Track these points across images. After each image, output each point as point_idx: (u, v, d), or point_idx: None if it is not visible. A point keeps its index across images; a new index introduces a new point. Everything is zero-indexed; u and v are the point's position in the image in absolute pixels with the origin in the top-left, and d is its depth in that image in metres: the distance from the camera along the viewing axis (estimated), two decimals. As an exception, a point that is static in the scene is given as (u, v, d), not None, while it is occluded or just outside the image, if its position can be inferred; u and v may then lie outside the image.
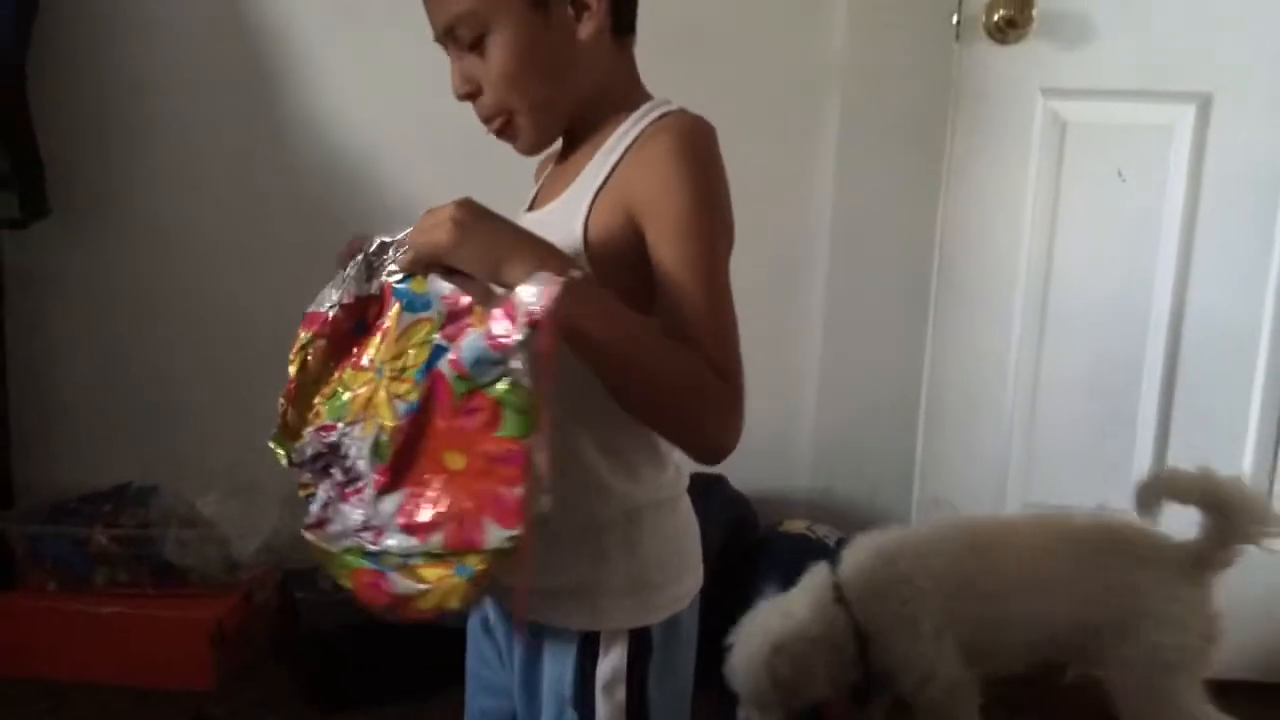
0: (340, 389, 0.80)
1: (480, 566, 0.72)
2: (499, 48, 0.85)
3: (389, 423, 0.75)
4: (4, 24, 1.69)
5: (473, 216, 0.76)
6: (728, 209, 0.85)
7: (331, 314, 0.79)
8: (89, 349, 1.91)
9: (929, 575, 1.40)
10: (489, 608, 0.95)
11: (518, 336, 0.69)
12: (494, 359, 0.70)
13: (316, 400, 0.81)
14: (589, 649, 0.86)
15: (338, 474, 0.79)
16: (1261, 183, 1.73)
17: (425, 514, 0.74)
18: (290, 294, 1.78)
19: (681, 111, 0.88)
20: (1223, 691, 1.38)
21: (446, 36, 0.87)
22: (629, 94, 0.90)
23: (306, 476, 0.81)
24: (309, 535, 0.80)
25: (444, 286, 0.75)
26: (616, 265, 0.83)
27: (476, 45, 0.86)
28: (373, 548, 0.76)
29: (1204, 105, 1.72)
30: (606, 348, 0.76)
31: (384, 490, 0.76)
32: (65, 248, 1.87)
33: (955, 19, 1.70)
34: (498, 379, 0.71)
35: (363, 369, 0.79)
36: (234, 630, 1.71)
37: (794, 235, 1.80)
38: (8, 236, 1.82)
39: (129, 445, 1.92)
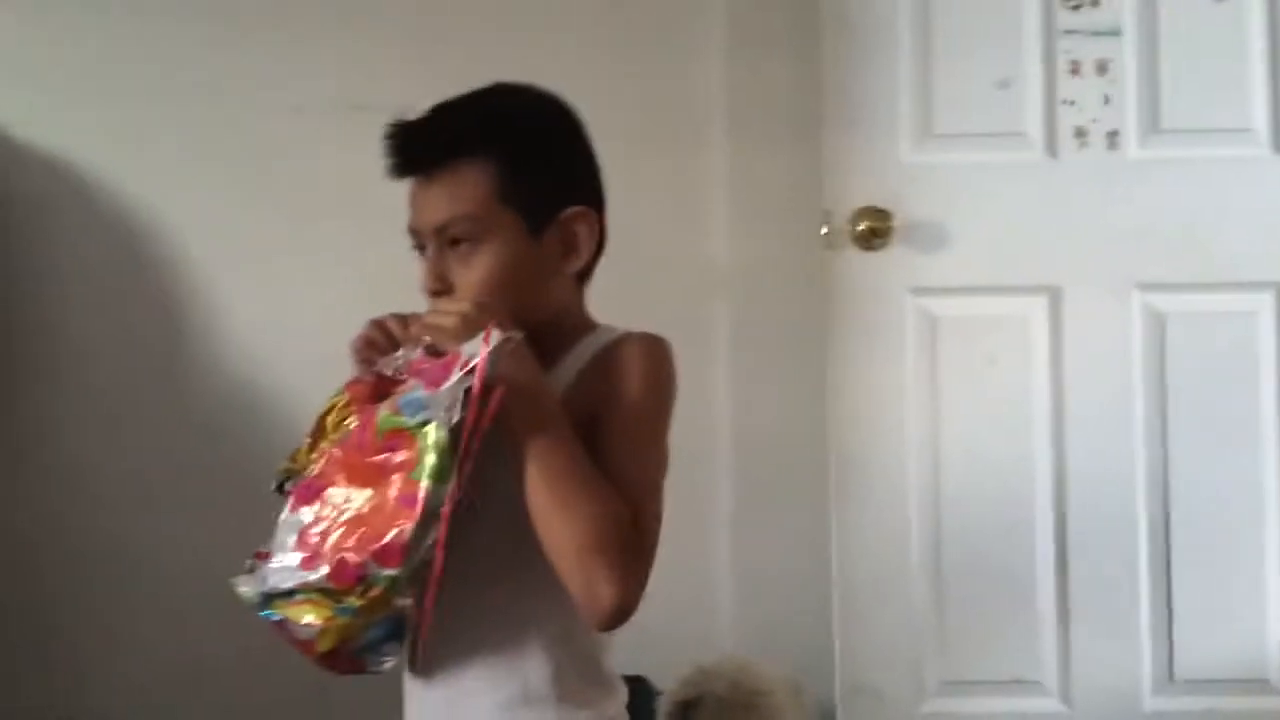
0: None
1: (359, 603, 0.77)
2: (486, 259, 0.89)
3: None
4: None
5: (479, 316, 0.83)
6: (670, 416, 0.92)
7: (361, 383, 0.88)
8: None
9: None
10: None
11: (452, 381, 0.76)
12: (423, 401, 0.77)
13: (324, 444, 0.88)
14: None
15: None
16: (1113, 359, 1.87)
17: (316, 540, 0.79)
18: (183, 528, 1.76)
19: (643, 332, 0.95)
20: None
21: (435, 233, 0.90)
22: (582, 323, 0.97)
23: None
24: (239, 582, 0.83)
25: (414, 353, 0.84)
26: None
27: (456, 245, 0.90)
28: (265, 589, 0.80)
29: (1055, 297, 1.88)
30: (535, 432, 0.81)
31: (293, 509, 0.82)
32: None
33: (824, 230, 1.85)
34: (423, 422, 0.77)
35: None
36: None
37: (697, 437, 1.85)
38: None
39: (13, 687, 1.80)
